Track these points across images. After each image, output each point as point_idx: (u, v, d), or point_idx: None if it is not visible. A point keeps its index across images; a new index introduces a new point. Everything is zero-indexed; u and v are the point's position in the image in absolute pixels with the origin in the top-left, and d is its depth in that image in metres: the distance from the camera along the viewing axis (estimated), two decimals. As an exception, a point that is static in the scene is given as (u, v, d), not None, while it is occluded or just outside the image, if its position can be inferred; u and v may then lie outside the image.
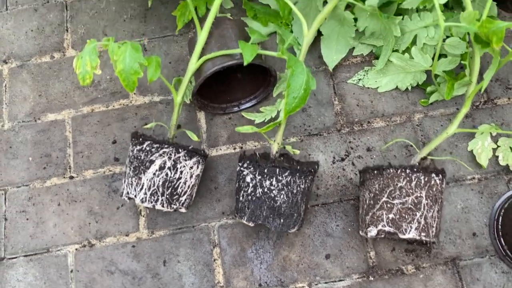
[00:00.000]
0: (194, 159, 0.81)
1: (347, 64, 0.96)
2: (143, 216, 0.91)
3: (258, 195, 0.76)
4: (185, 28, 1.02)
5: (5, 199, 0.94)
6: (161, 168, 0.78)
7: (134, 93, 0.99)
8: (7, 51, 1.05)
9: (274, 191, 0.76)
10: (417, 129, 0.91)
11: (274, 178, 0.76)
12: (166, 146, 0.79)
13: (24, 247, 0.90)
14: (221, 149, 0.94)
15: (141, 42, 1.03)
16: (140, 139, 0.79)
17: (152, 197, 0.78)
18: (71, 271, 0.88)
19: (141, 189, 0.79)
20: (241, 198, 0.79)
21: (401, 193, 0.74)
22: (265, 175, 0.76)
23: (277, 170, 0.76)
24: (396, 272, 0.83)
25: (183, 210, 0.81)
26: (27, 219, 0.92)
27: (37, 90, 1.01)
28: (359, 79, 0.94)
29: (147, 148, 0.79)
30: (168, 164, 0.78)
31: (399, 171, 0.74)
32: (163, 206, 0.79)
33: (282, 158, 0.83)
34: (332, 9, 0.84)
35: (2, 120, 1.00)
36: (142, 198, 0.79)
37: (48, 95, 1.00)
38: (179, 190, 0.79)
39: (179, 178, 0.79)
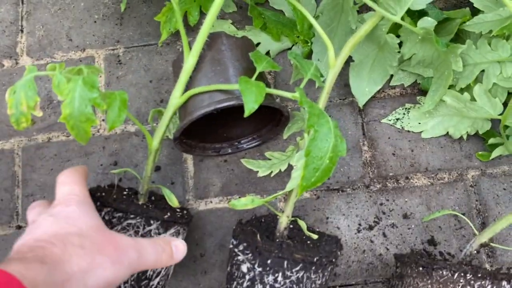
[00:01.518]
0: (172, 230, 0.59)
1: (382, 97, 0.73)
2: None
3: (256, 292, 0.55)
4: (172, 36, 0.78)
5: None
6: None
7: (103, 120, 0.77)
8: None
9: (279, 290, 0.55)
10: (470, 192, 0.69)
11: (280, 273, 0.54)
12: (132, 215, 0.57)
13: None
14: (211, 202, 0.72)
15: (115, 52, 0.79)
16: (97, 204, 0.58)
17: None
18: None
19: None
20: (233, 290, 0.58)
21: (458, 307, 0.52)
22: (267, 268, 0.55)
23: (285, 263, 0.54)
24: None
25: None
26: (-40, 279, 0.72)
27: (-20, 109, 0.79)
28: (397, 119, 0.72)
29: (106, 218, 0.57)
30: None
31: (456, 275, 0.53)
32: None
33: (290, 229, 0.61)
34: (370, 31, 0.60)
35: None
36: None
37: (-6, 116, 0.78)
38: (149, 273, 0.58)
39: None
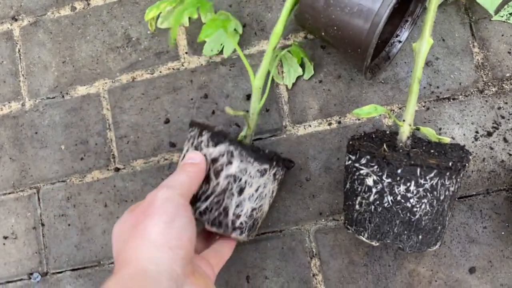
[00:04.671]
0: (221, 148, 0.54)
1: (490, -9, 0.66)
2: (215, 219, 0.69)
3: (386, 205, 0.52)
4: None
5: (39, 200, 0.74)
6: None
7: (186, 53, 0.74)
8: (15, 3, 0.80)
9: (412, 200, 0.51)
10: None
11: (413, 182, 0.51)
12: (193, 128, 0.57)
13: (69, 260, 0.72)
14: (310, 126, 0.69)
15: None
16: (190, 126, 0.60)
17: None
18: None
19: None
20: (357, 206, 0.55)
21: None
22: (398, 178, 0.51)
23: (418, 170, 0.51)
24: None
25: (206, 225, 0.55)
26: (69, 224, 0.73)
27: (60, 55, 0.77)
28: (510, 14, 0.64)
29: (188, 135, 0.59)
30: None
31: None
32: None
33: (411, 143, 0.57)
34: None
35: (21, 97, 0.77)
36: None
37: (75, 61, 0.76)
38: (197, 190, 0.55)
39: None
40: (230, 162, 0.53)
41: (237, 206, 0.54)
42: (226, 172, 0.53)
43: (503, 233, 0.62)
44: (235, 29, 0.70)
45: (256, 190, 0.55)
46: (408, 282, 0.63)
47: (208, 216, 0.54)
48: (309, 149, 0.68)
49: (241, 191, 0.54)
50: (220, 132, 0.55)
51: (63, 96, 0.76)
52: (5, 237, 0.74)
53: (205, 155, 0.54)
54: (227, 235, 0.55)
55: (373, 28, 0.55)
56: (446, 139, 0.54)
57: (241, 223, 0.55)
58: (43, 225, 0.74)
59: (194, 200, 0.54)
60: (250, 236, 0.58)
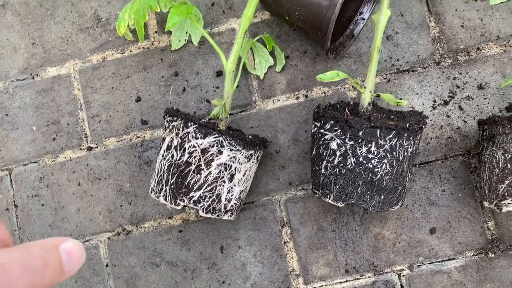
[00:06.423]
0: (211, 139, 0.56)
1: (444, -31, 0.70)
2: (188, 193, 0.71)
3: (349, 166, 0.55)
4: None
5: (11, 181, 0.74)
6: (168, 147, 0.58)
7: (156, 32, 0.75)
8: (-18, -14, 0.80)
9: (373, 161, 0.55)
10: (546, 54, 0.67)
11: (374, 143, 0.54)
12: (176, 119, 0.58)
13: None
14: (279, 100, 0.71)
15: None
16: (168, 115, 0.61)
17: (157, 186, 0.58)
18: (106, 265, 0.71)
19: (154, 176, 0.61)
20: (323, 170, 0.58)
21: (559, 153, 0.52)
22: (359, 140, 0.54)
23: (378, 131, 0.54)
24: (524, 246, 0.64)
25: (201, 212, 0.57)
26: (43, 204, 0.73)
27: (29, 37, 0.77)
28: (463, -11, 0.68)
29: (165, 125, 0.61)
30: (175, 142, 0.57)
31: (555, 122, 0.52)
32: (165, 200, 0.57)
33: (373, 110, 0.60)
34: None
35: (-10, 80, 0.77)
36: (152, 187, 0.60)
37: (44, 43, 0.77)
38: (189, 180, 0.56)
39: (188, 163, 0.56)
40: (220, 152, 0.56)
41: (228, 191, 0.57)
42: (217, 162, 0.56)
43: (460, 195, 0.66)
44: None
45: (244, 174, 0.58)
46: (374, 245, 0.66)
47: (202, 204, 0.56)
48: (278, 122, 0.70)
49: (231, 177, 0.57)
50: (207, 123, 0.56)
51: (33, 78, 0.76)
52: (-23, 219, 0.74)
53: (194, 146, 0.56)
54: (219, 218, 0.58)
55: (330, 12, 0.58)
56: (404, 102, 0.57)
57: (231, 206, 0.58)
58: (16, 206, 0.74)
59: (187, 190, 0.56)
60: (236, 215, 0.61)
